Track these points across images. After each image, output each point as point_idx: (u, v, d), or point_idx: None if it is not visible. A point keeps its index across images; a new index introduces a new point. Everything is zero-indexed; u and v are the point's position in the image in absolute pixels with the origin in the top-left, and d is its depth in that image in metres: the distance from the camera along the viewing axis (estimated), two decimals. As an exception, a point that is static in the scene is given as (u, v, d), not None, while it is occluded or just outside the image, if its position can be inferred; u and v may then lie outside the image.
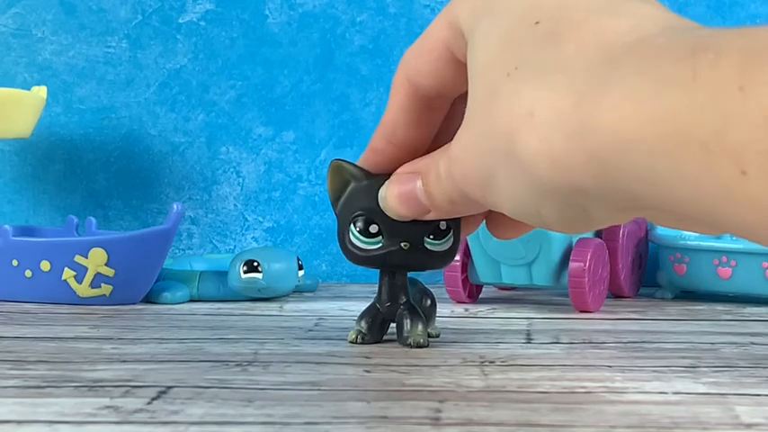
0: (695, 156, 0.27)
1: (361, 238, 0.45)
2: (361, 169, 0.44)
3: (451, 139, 0.37)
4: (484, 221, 0.44)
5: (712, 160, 0.26)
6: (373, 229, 0.44)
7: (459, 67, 0.38)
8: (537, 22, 0.33)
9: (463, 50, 0.37)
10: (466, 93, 0.36)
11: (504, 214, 0.43)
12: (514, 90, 0.32)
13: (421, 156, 0.42)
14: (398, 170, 0.42)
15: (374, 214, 0.44)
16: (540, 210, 0.33)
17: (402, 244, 0.44)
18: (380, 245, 0.44)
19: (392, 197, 0.42)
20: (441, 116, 0.42)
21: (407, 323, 0.47)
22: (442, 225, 0.44)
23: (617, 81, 0.29)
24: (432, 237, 0.44)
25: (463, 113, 0.36)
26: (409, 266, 0.46)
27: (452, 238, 0.45)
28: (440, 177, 0.39)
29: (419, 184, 0.41)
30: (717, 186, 0.27)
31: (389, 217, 0.43)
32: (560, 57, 0.31)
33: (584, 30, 0.31)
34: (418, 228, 0.43)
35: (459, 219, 0.44)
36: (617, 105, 0.29)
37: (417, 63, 0.40)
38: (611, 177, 0.30)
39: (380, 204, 0.43)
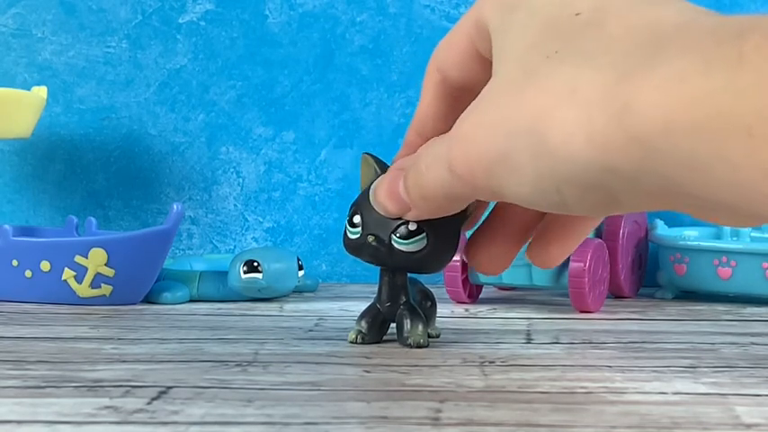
0: (737, 138, 0.27)
1: (348, 227, 0.45)
2: (383, 165, 0.45)
3: None
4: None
5: (755, 143, 0.27)
6: (357, 219, 0.45)
7: (484, 63, 0.39)
8: (578, 14, 0.33)
9: (486, 47, 0.37)
10: None
11: (544, 239, 0.43)
12: (554, 70, 0.32)
13: None
14: (391, 166, 0.43)
15: (360, 204, 0.44)
16: (562, 189, 0.33)
17: (369, 237, 0.44)
18: (359, 235, 0.45)
19: (380, 193, 0.42)
20: None
21: (407, 323, 0.47)
22: (412, 226, 0.44)
23: (662, 61, 0.29)
24: (397, 235, 0.44)
25: None
26: (382, 262, 0.45)
27: (425, 242, 0.44)
28: (418, 173, 0.39)
29: (402, 180, 0.41)
30: (758, 169, 0.27)
31: (369, 209, 0.44)
32: (605, 40, 0.32)
33: (628, 17, 0.32)
34: (388, 224, 0.44)
35: (443, 227, 0.44)
36: (661, 85, 0.29)
37: (446, 55, 0.41)
38: (649, 159, 0.30)
39: (371, 200, 0.43)
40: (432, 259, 0.45)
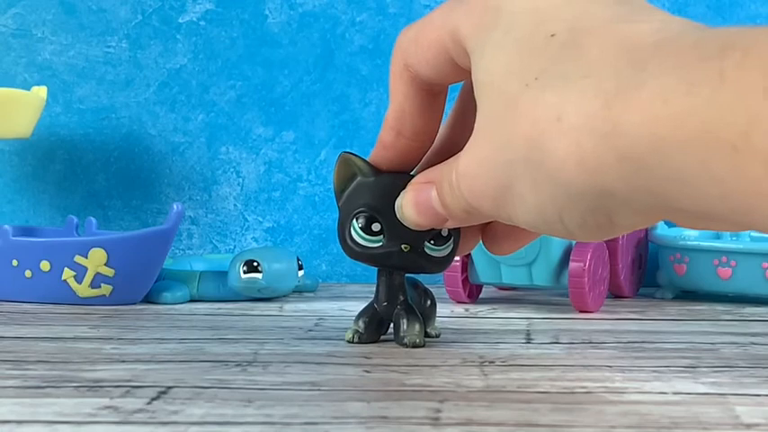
0: (722, 153, 0.27)
1: (363, 234, 0.45)
2: (370, 165, 0.44)
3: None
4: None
5: (740, 159, 0.27)
6: (376, 227, 0.44)
7: (457, 66, 0.38)
8: (553, 35, 0.33)
9: (463, 60, 0.37)
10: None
11: (498, 230, 0.43)
12: (536, 99, 0.32)
13: (430, 147, 0.42)
14: (414, 180, 0.42)
15: (378, 212, 0.44)
16: (563, 217, 0.33)
17: (402, 246, 0.44)
18: (381, 244, 0.44)
19: (408, 207, 0.42)
20: (443, 101, 0.42)
21: (404, 323, 0.46)
22: (444, 231, 0.44)
23: (645, 81, 0.29)
24: (432, 242, 0.44)
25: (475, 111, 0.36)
26: (407, 268, 0.46)
27: (452, 245, 0.45)
28: (452, 187, 0.39)
29: (434, 194, 0.40)
30: (745, 184, 0.27)
31: (392, 217, 0.43)
32: (583, 63, 0.31)
33: (605, 36, 0.32)
34: (420, 232, 0.43)
35: (459, 228, 0.44)
36: (647, 105, 0.29)
37: (415, 53, 0.39)
38: (640, 177, 0.30)
39: (397, 214, 0.43)
40: (451, 260, 0.45)
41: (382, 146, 0.43)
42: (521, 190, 0.34)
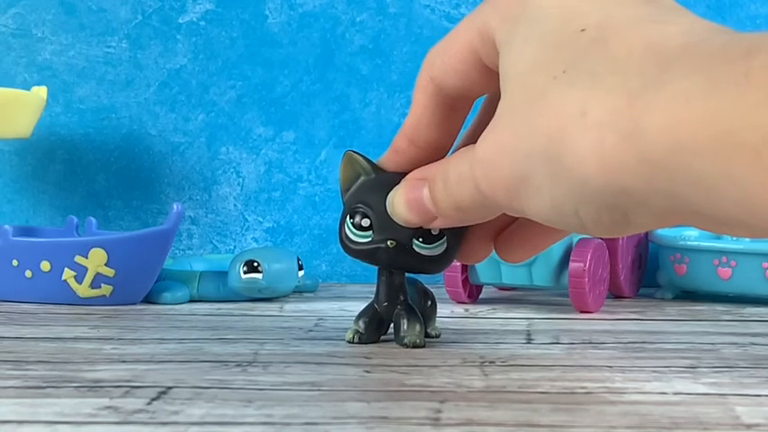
0: (745, 156, 0.27)
1: (353, 230, 0.45)
2: (372, 164, 0.44)
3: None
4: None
5: (762, 161, 0.27)
6: (365, 222, 0.44)
7: (485, 71, 0.38)
8: (583, 29, 0.33)
9: (491, 57, 0.37)
10: (495, 98, 0.36)
11: (512, 239, 0.43)
12: (562, 92, 0.32)
13: (442, 158, 0.42)
14: (408, 176, 0.42)
15: (369, 208, 0.44)
16: (579, 212, 0.33)
17: (388, 242, 0.44)
18: (369, 239, 0.44)
19: (399, 203, 0.42)
20: (463, 117, 0.42)
21: (404, 323, 0.46)
22: (434, 230, 0.44)
23: (669, 81, 0.29)
24: (421, 239, 0.44)
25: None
26: (396, 266, 0.46)
27: (445, 245, 0.44)
28: (448, 184, 0.39)
29: (426, 191, 0.40)
30: (767, 187, 0.27)
31: (383, 213, 0.43)
32: (611, 60, 0.31)
33: (633, 35, 0.32)
34: (408, 228, 0.43)
35: (459, 229, 0.44)
36: (669, 106, 0.29)
37: (442, 63, 0.40)
38: (659, 179, 0.30)
39: (388, 210, 0.43)
40: (447, 261, 0.45)
41: (394, 150, 0.43)
42: (537, 183, 0.33)
